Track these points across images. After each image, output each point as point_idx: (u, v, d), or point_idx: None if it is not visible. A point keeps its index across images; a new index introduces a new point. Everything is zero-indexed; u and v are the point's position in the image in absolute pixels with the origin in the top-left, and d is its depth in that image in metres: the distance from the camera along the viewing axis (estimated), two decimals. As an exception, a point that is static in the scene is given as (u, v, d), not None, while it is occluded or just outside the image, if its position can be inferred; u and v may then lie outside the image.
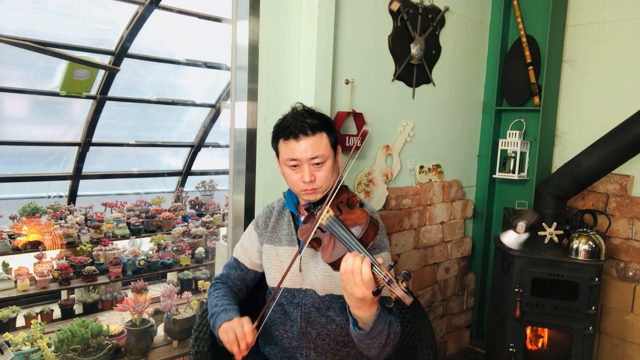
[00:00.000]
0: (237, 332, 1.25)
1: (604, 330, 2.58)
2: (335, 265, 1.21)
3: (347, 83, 2.10)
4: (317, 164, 1.34)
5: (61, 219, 3.37)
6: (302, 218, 1.42)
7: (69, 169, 3.97)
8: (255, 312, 1.68)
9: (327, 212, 1.28)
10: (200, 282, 3.37)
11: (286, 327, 1.43)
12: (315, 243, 1.29)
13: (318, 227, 1.28)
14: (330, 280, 1.38)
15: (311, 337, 1.39)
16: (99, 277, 3.12)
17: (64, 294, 3.11)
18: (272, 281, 1.46)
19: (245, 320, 1.28)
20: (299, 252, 1.33)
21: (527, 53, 2.70)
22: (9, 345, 2.29)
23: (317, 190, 1.36)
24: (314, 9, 1.88)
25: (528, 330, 2.40)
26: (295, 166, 1.35)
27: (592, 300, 2.21)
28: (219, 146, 4.85)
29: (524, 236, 2.34)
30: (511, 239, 2.37)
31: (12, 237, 3.01)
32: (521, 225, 2.35)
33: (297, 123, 1.33)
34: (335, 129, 1.43)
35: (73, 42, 3.23)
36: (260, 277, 1.56)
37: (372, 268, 1.09)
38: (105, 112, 3.77)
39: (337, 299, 1.39)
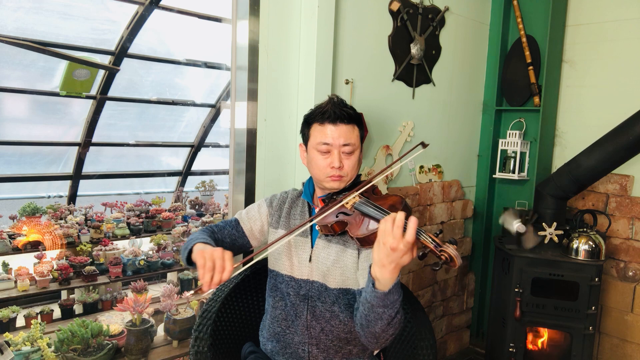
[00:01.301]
0: (216, 263, 1.15)
1: (604, 330, 2.58)
2: (367, 240, 1.21)
3: (347, 83, 2.10)
4: (348, 152, 1.39)
5: (61, 219, 3.36)
6: (316, 210, 1.43)
7: (69, 169, 3.96)
8: (254, 303, 1.68)
9: (354, 197, 1.30)
10: (200, 282, 3.36)
11: (288, 322, 1.43)
12: (338, 226, 1.29)
13: (342, 212, 1.29)
14: (341, 272, 1.38)
15: (315, 332, 1.39)
16: (99, 277, 3.11)
17: (64, 294, 3.10)
18: (281, 267, 1.46)
19: (229, 255, 1.18)
20: (310, 221, 1.33)
21: (527, 53, 2.70)
22: (9, 345, 2.29)
23: (343, 178, 1.39)
24: (314, 9, 1.88)
25: (528, 331, 2.40)
26: (326, 151, 1.39)
27: (592, 300, 2.21)
28: (219, 146, 4.85)
29: (530, 230, 2.35)
30: (511, 223, 2.37)
31: (12, 237, 3.00)
32: (519, 225, 2.35)
33: (336, 109, 1.39)
34: (363, 127, 1.47)
35: (73, 42, 3.22)
36: (247, 249, 1.55)
37: (419, 235, 1.10)
38: (105, 112, 3.77)
39: (345, 294, 1.39)
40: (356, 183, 1.41)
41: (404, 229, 1.07)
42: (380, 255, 1.09)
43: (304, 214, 1.48)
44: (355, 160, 1.40)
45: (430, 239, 1.09)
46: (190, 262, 1.29)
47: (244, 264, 1.26)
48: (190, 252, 1.28)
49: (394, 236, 1.06)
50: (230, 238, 1.49)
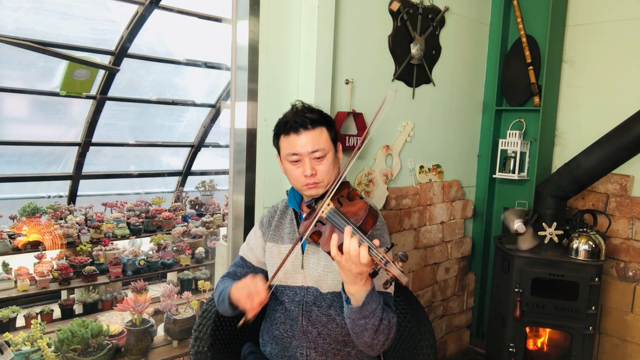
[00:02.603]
0: (250, 288, 1.25)
1: (604, 330, 2.59)
2: None
3: (347, 83, 2.10)
4: (318, 158, 1.36)
5: (61, 219, 3.37)
6: (304, 215, 1.42)
7: (69, 169, 3.97)
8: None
9: (328, 205, 1.28)
10: (200, 282, 3.37)
11: (286, 326, 1.43)
12: (316, 236, 1.29)
13: (319, 221, 1.28)
14: (332, 276, 1.38)
15: (312, 337, 1.39)
16: (99, 277, 3.12)
17: (64, 294, 3.10)
18: (274, 279, 1.45)
19: (259, 277, 1.28)
20: (299, 240, 1.33)
21: (527, 53, 2.70)
22: (9, 345, 2.29)
23: (319, 184, 1.37)
24: (314, 9, 1.88)
25: (528, 331, 2.40)
26: (296, 161, 1.37)
27: (592, 300, 2.21)
28: (219, 146, 4.85)
29: (529, 232, 2.35)
30: (514, 222, 2.37)
31: (12, 237, 3.01)
32: (519, 225, 2.36)
33: (297, 118, 1.37)
34: (334, 125, 1.45)
35: (73, 42, 3.22)
36: (267, 274, 1.56)
37: (369, 251, 1.11)
38: (105, 112, 3.77)
39: (339, 298, 1.39)
40: (340, 184, 1.39)
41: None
42: (349, 278, 1.14)
43: (292, 222, 1.48)
44: (328, 164, 1.37)
45: (380, 257, 1.10)
46: (235, 307, 1.35)
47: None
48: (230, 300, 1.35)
49: (355, 263, 1.11)
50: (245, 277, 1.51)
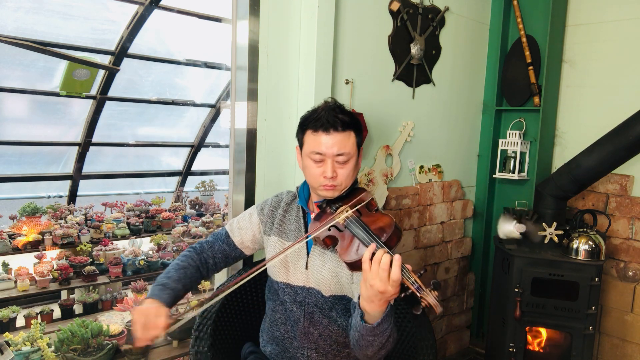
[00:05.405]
0: (149, 319, 1.21)
1: (604, 330, 2.59)
2: (355, 265, 1.18)
3: (347, 83, 2.10)
4: (341, 162, 1.33)
5: (61, 219, 3.37)
6: (312, 215, 1.39)
7: (69, 169, 3.97)
8: (254, 304, 1.68)
9: (347, 211, 1.26)
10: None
11: (287, 327, 1.43)
12: (329, 240, 1.26)
13: (334, 226, 1.25)
14: (336, 280, 1.36)
15: (313, 338, 1.39)
16: (99, 277, 3.12)
17: (64, 294, 3.10)
18: (276, 275, 1.45)
19: (164, 312, 1.24)
20: (304, 238, 1.29)
21: (527, 53, 2.70)
22: (9, 345, 2.29)
23: (336, 187, 1.34)
24: (314, 9, 1.88)
25: (528, 331, 2.40)
26: (319, 160, 1.33)
27: (592, 300, 2.21)
28: (219, 146, 4.85)
29: (517, 234, 2.36)
30: (506, 227, 2.38)
31: (12, 237, 3.01)
32: (521, 226, 2.36)
33: (329, 116, 1.32)
34: (362, 130, 1.40)
35: (73, 42, 3.22)
36: (244, 258, 1.55)
37: (402, 274, 1.07)
38: (105, 112, 3.77)
39: (341, 300, 1.38)
40: (354, 190, 1.37)
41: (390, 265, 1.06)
42: (369, 294, 1.09)
43: (298, 220, 1.45)
44: (350, 168, 1.34)
45: (412, 280, 1.06)
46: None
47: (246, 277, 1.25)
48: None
49: (381, 279, 1.05)
50: (222, 253, 1.50)
